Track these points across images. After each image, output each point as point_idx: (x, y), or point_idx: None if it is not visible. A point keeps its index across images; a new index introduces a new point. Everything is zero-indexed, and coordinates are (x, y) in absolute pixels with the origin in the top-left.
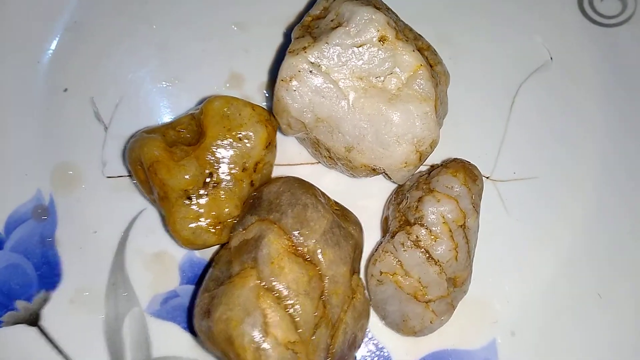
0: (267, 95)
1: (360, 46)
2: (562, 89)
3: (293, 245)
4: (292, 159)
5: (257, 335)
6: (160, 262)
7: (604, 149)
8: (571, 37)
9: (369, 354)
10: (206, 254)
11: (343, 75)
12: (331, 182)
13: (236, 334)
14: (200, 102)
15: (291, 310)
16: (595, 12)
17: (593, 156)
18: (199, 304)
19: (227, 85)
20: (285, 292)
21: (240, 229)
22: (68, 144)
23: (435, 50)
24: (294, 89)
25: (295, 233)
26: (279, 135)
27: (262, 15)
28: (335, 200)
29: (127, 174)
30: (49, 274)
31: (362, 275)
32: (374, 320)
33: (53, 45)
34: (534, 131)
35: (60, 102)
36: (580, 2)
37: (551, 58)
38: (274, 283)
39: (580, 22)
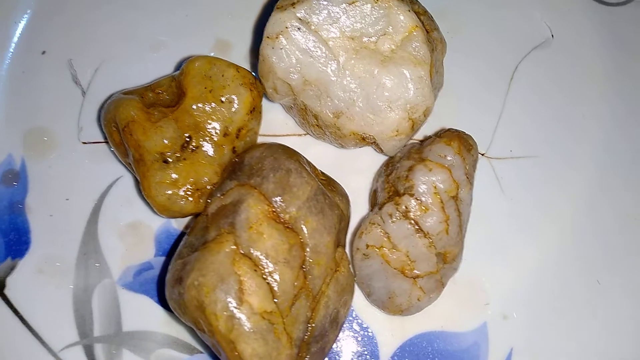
0: (252, 62)
1: (352, 3)
2: (563, 67)
3: (274, 212)
4: (278, 129)
5: (231, 302)
6: (135, 233)
7: (605, 128)
8: (574, 15)
9: (352, 334)
10: (183, 223)
11: (333, 34)
12: (319, 155)
13: (208, 300)
14: (182, 64)
15: (269, 279)
16: None
17: (593, 136)
18: (170, 271)
19: (213, 53)
20: (263, 260)
21: (219, 195)
22: (43, 108)
23: (432, 17)
24: (281, 47)
25: (277, 199)
26: (265, 105)
27: None
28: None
29: (103, 140)
30: (16, 241)
31: (347, 250)
32: (359, 299)
33: (32, 6)
34: (532, 109)
35: (37, 64)
36: None
37: (552, 35)
38: (251, 249)
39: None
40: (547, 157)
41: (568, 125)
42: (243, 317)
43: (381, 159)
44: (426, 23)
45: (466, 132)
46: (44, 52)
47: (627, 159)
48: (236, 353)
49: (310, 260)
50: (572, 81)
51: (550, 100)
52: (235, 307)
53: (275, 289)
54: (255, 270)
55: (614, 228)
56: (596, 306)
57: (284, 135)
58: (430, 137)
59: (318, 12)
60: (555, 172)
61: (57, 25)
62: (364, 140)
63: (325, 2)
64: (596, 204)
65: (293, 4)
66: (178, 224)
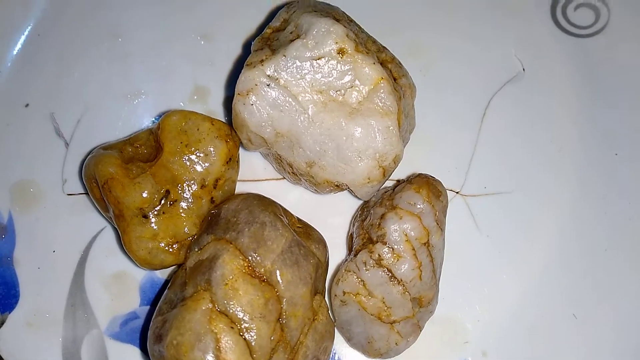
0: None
1: (318, 59)
2: (535, 101)
3: (249, 266)
4: (257, 174)
5: None
6: (120, 283)
7: (578, 162)
8: (544, 48)
9: None
10: (167, 272)
11: (302, 88)
12: (297, 199)
13: (187, 359)
14: (162, 114)
15: (246, 335)
16: (568, 22)
17: (567, 170)
18: (152, 328)
19: (195, 97)
20: (239, 316)
21: (196, 249)
22: (28, 161)
23: (400, 63)
24: (252, 102)
25: (252, 253)
26: (245, 151)
27: (228, 26)
28: (300, 217)
29: (87, 192)
30: (6, 295)
31: (327, 295)
32: (340, 342)
33: (13, 58)
34: (505, 144)
35: (21, 117)
36: (554, 12)
37: (523, 69)
38: (227, 307)
39: (553, 32)
40: (521, 192)
41: (541, 160)
42: None
43: (358, 200)
44: (394, 71)
45: (435, 178)
46: (27, 105)
47: (601, 192)
48: None
49: (287, 312)
50: (544, 114)
51: (523, 134)
52: None
53: (253, 344)
54: (232, 327)
55: (589, 262)
56: (573, 340)
57: (263, 180)
58: (402, 181)
59: (286, 68)
60: (530, 207)
61: (39, 78)
62: (337, 187)
63: (292, 59)
64: (570, 238)
65: (262, 61)
66: (162, 273)
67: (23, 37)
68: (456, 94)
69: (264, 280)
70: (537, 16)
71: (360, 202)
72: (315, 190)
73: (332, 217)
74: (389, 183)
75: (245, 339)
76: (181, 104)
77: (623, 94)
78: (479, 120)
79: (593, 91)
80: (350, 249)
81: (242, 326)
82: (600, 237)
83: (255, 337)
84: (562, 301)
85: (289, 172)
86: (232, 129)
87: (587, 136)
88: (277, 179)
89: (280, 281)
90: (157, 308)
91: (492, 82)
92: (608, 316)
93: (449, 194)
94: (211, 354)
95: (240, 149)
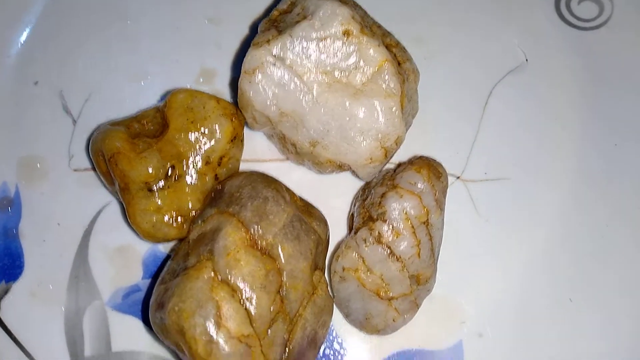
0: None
1: (324, 40)
2: (537, 91)
3: (251, 239)
4: (261, 155)
5: (209, 327)
6: (123, 256)
7: (578, 152)
8: (547, 39)
9: (332, 352)
10: (170, 247)
11: (307, 69)
12: (299, 179)
13: (188, 325)
14: (166, 96)
15: (246, 304)
16: (572, 15)
17: (567, 159)
18: (154, 296)
19: (201, 80)
20: (240, 285)
21: (200, 222)
22: (36, 137)
23: (404, 48)
24: (257, 81)
25: (254, 226)
26: (248, 132)
27: (235, 9)
28: (302, 197)
29: (93, 167)
30: (10, 265)
31: (327, 272)
32: (338, 319)
33: (23, 39)
34: (506, 132)
35: (30, 95)
36: (557, 5)
37: (526, 60)
38: (229, 276)
39: (557, 24)
40: (520, 179)
41: (541, 148)
42: (221, 341)
43: (360, 181)
44: (398, 55)
45: (436, 160)
46: (36, 83)
47: (600, 180)
48: None
49: (287, 284)
50: (545, 104)
51: (523, 123)
52: (214, 332)
53: (253, 313)
54: (233, 296)
55: (586, 248)
56: (569, 324)
57: (266, 161)
58: (403, 163)
59: (292, 48)
60: (529, 193)
61: (49, 57)
62: (340, 167)
63: (298, 39)
64: (568, 224)
65: (268, 40)
66: (165, 247)
67: (34, 18)
68: (459, 82)
69: (265, 253)
70: (541, 8)
71: (361, 184)
72: (318, 170)
73: (333, 199)
74: (390, 166)
75: (245, 307)
76: (188, 85)
77: (623, 86)
78: (481, 108)
79: (594, 83)
80: (350, 228)
81: (243, 296)
82: (597, 225)
83: (255, 306)
84: (558, 286)
85: (292, 152)
86: (237, 109)
87: (587, 126)
88: (280, 160)
89: (281, 254)
90: (159, 278)
91: (495, 71)
92: (603, 301)
93: (450, 178)
94: (212, 321)
95: (245, 129)
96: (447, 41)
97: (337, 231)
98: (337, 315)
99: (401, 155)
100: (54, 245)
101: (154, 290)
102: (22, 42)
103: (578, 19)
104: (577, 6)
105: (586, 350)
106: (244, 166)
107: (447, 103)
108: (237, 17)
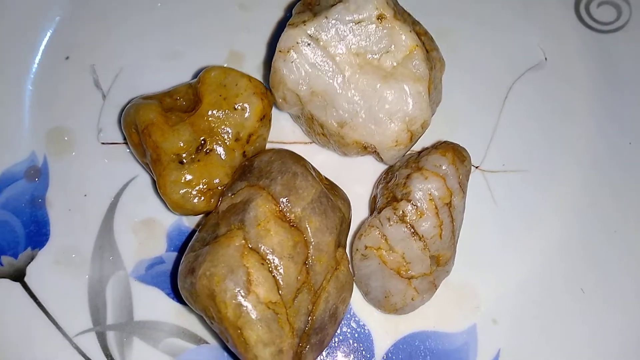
0: (264, 73)
1: (358, 23)
2: (555, 89)
3: (280, 211)
4: (286, 137)
5: (239, 291)
6: (148, 229)
7: (593, 148)
8: (566, 40)
9: (349, 330)
10: (194, 222)
11: (340, 50)
12: (323, 162)
13: (218, 289)
14: (199, 74)
15: (274, 272)
16: (590, 17)
17: (582, 155)
18: (183, 263)
19: (230, 63)
20: (269, 254)
21: (230, 194)
22: (66, 110)
23: (432, 37)
24: (291, 60)
25: (283, 199)
26: (275, 114)
27: None
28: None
29: (121, 141)
30: (36, 233)
31: (347, 251)
32: (357, 298)
33: (57, 15)
34: (524, 126)
35: (61, 69)
36: (577, 8)
37: (545, 58)
38: (259, 244)
39: (576, 26)
40: (537, 171)
41: (557, 143)
42: (250, 306)
43: (381, 168)
44: (426, 43)
45: (460, 145)
46: (67, 58)
47: (614, 177)
48: (242, 339)
49: (313, 257)
50: (562, 102)
51: (541, 118)
52: (243, 297)
53: (280, 281)
54: (262, 264)
55: (599, 240)
56: (580, 314)
57: (291, 143)
58: (427, 148)
59: (327, 30)
60: (545, 186)
61: (81, 33)
62: (365, 149)
63: (333, 21)
64: (582, 216)
65: (304, 21)
66: (189, 222)
67: None
68: (481, 76)
69: (293, 225)
70: (561, 10)
71: (382, 170)
72: (343, 152)
73: (354, 184)
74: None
75: (274, 275)
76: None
77: (638, 87)
78: (500, 102)
79: (610, 84)
80: (372, 210)
81: (272, 264)
82: (611, 219)
83: (283, 275)
84: (570, 277)
85: (319, 134)
86: (267, 89)
87: (602, 125)
88: (304, 143)
89: (309, 227)
90: (188, 246)
91: (516, 67)
92: (615, 292)
93: None
94: (242, 286)
95: (273, 110)
96: (470, 36)
97: (358, 214)
98: (355, 295)
99: (423, 143)
100: (80, 215)
101: (182, 259)
102: (56, 18)
103: (596, 21)
104: (595, 9)
105: (596, 340)
106: (269, 147)
107: (468, 96)
108: (267, 4)
